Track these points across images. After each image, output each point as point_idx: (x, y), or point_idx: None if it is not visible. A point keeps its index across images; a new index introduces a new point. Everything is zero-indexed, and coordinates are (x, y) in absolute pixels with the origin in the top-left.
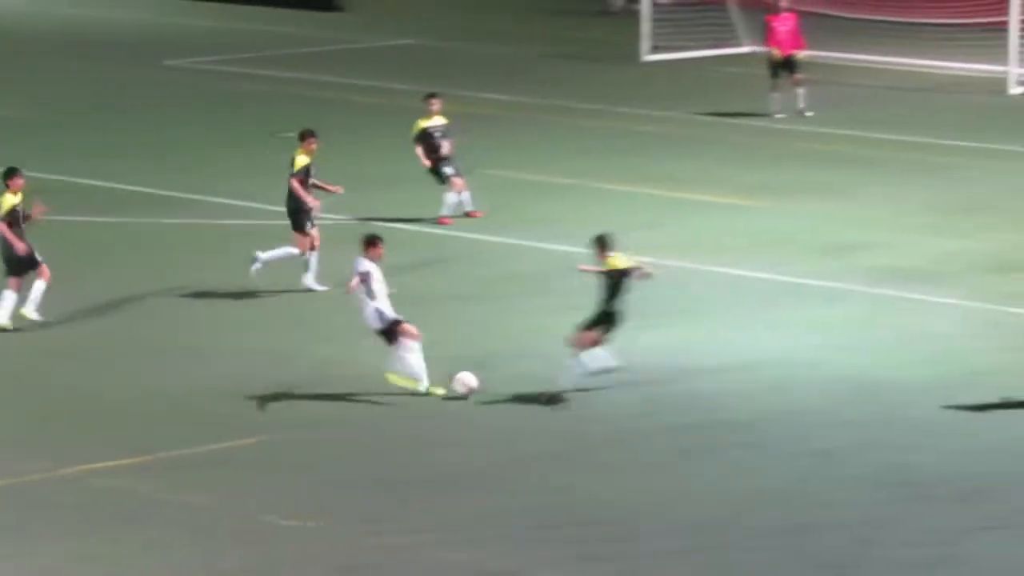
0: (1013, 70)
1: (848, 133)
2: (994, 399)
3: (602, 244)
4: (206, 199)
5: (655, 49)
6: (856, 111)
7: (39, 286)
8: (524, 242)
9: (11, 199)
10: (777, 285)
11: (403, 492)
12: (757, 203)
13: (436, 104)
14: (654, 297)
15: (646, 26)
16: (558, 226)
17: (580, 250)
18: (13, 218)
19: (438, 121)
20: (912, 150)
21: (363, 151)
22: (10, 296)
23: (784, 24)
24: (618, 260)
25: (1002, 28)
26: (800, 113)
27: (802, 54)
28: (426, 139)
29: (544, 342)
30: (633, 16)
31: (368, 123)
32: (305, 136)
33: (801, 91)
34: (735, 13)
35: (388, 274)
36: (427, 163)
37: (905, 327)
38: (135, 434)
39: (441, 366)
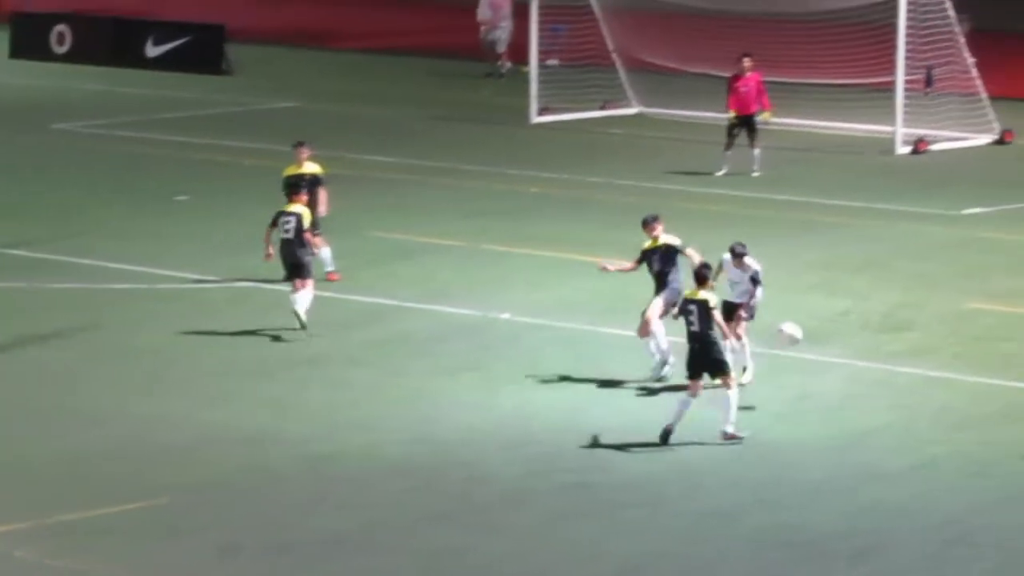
0: (899, 130)
1: (738, 194)
2: (882, 458)
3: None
4: (96, 263)
5: (543, 111)
6: (746, 171)
7: None
8: (412, 304)
9: None
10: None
11: (290, 556)
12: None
13: (304, 152)
14: (545, 357)
15: (534, 88)
16: (445, 288)
17: (467, 312)
18: None
19: (309, 168)
20: (802, 210)
21: (251, 212)
22: None
23: (746, 85)
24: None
25: (888, 88)
26: (748, 173)
27: (764, 114)
28: (292, 188)
29: (431, 404)
30: (521, 78)
31: (257, 185)
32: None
33: (756, 152)
34: (623, 74)
35: (272, 339)
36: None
37: (795, 386)
38: (18, 499)
39: (334, 429)
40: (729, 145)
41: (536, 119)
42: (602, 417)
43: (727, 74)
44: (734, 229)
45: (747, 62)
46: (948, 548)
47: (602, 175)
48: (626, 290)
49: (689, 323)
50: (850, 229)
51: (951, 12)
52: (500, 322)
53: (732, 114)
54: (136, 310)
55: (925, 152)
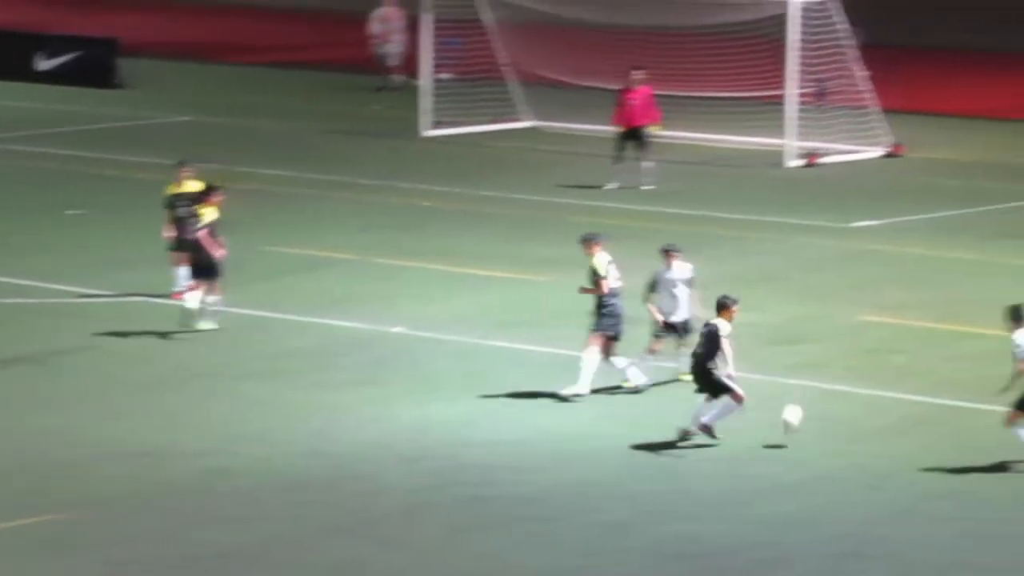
0: (791, 143)
1: (630, 207)
2: (777, 471)
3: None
4: None
5: (436, 124)
6: (637, 185)
7: None
8: (304, 318)
9: None
10: (560, 358)
11: (184, 571)
12: (537, 277)
13: (187, 171)
14: (439, 371)
15: (426, 101)
16: (339, 302)
17: (361, 325)
18: None
19: (190, 187)
20: (694, 224)
21: (143, 227)
22: None
23: (635, 98)
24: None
25: (780, 102)
26: (637, 186)
27: (653, 128)
28: (173, 207)
29: (326, 418)
30: (413, 92)
31: (150, 198)
32: (211, 190)
33: (647, 166)
34: (515, 88)
35: (165, 354)
36: (170, 233)
37: (689, 399)
38: None
39: (229, 443)
40: (619, 159)
41: (429, 132)
42: (497, 430)
43: (620, 87)
44: (627, 243)
45: (637, 75)
46: (842, 561)
47: (495, 189)
48: (517, 304)
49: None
50: (743, 242)
51: (844, 26)
52: (393, 336)
53: (620, 128)
54: (28, 325)
55: (817, 165)
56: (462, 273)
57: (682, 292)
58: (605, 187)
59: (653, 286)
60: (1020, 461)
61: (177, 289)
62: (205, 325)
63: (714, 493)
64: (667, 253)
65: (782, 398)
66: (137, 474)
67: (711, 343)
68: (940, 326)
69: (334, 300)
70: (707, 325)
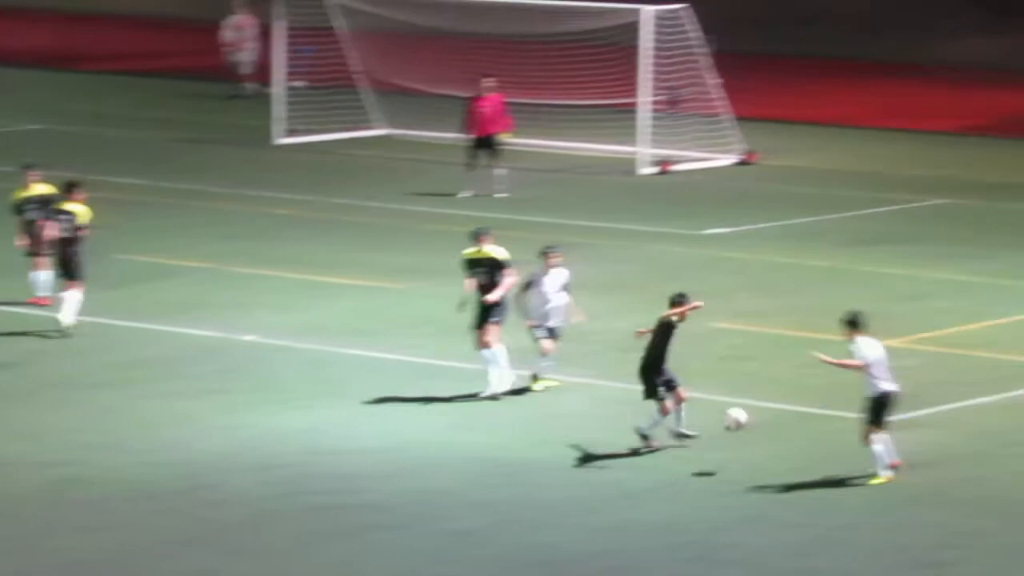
0: (644, 151)
1: (483, 215)
2: (628, 477)
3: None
4: None
5: (289, 132)
6: (491, 192)
7: None
8: (157, 326)
9: None
10: (412, 366)
11: None
12: (391, 285)
13: (34, 175)
14: (291, 379)
15: (279, 109)
16: (192, 310)
17: (213, 334)
18: None
19: (38, 190)
20: (547, 231)
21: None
22: None
23: (486, 106)
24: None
25: (633, 109)
26: (491, 194)
27: (505, 136)
28: (22, 212)
29: (178, 426)
30: (266, 100)
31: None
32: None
33: (499, 173)
34: (368, 96)
35: (15, 362)
36: (22, 241)
37: (538, 407)
38: None
39: (79, 453)
40: (471, 166)
41: (282, 140)
42: (349, 438)
43: (471, 95)
44: None
45: (488, 83)
46: (691, 567)
47: (348, 197)
48: (370, 312)
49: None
50: (596, 249)
51: (697, 34)
52: (246, 344)
53: (471, 136)
54: None
55: (670, 172)
56: (316, 281)
57: (557, 297)
58: (459, 195)
59: (527, 286)
60: (870, 476)
61: (39, 295)
62: (67, 320)
63: (564, 500)
64: (546, 255)
65: (635, 405)
66: None
67: (666, 338)
68: (792, 333)
69: (187, 308)
70: (664, 319)
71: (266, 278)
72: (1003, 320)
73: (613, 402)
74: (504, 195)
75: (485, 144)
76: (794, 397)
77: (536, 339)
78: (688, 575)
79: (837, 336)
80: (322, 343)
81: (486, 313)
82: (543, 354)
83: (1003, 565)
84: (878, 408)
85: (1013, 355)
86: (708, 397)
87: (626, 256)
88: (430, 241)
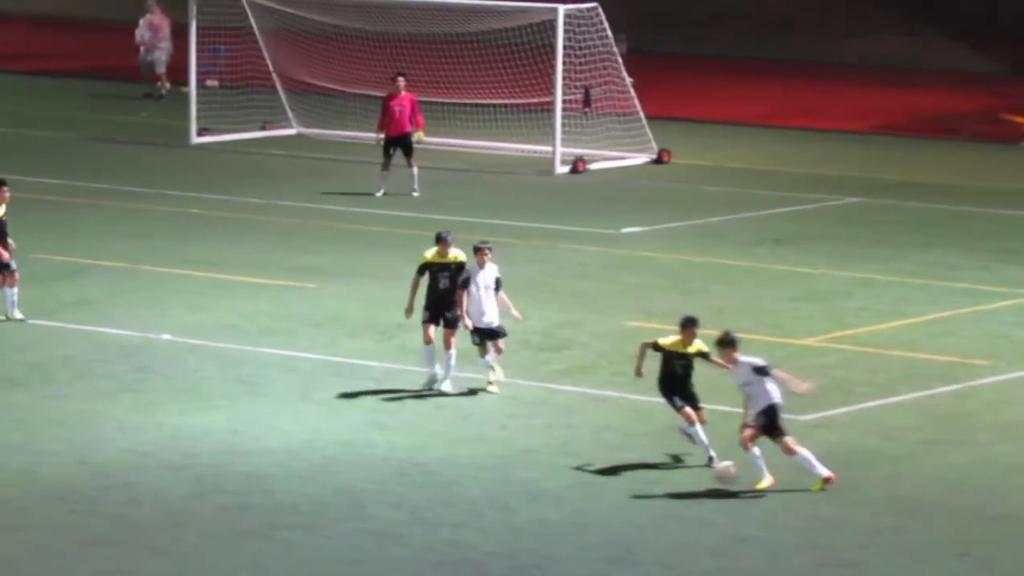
0: (558, 150)
1: (399, 214)
2: (543, 477)
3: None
4: None
5: (203, 132)
6: (406, 191)
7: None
8: (72, 325)
9: None
10: (327, 365)
11: None
12: (306, 284)
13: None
14: (204, 379)
15: (193, 109)
16: (105, 309)
17: (127, 333)
18: None
19: None
20: (463, 230)
21: None
22: None
23: (400, 105)
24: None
25: (547, 108)
26: (409, 193)
27: (418, 134)
28: None
29: (92, 426)
30: (181, 99)
31: None
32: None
33: (414, 171)
34: (283, 95)
35: None
36: None
37: (455, 405)
38: None
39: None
40: (386, 165)
41: (196, 140)
42: (263, 438)
43: (384, 94)
44: (395, 250)
45: (401, 81)
46: (610, 566)
47: (262, 196)
48: (284, 311)
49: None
50: (510, 249)
51: (608, 33)
52: (159, 343)
53: (382, 135)
54: None
55: (584, 172)
56: (230, 280)
57: (489, 294)
58: (376, 194)
59: (466, 283)
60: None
61: None
62: (18, 315)
63: (481, 499)
64: (480, 251)
65: (549, 404)
66: None
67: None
68: (705, 332)
69: (100, 307)
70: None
71: (180, 277)
72: (916, 319)
73: (530, 401)
74: (418, 194)
75: (399, 143)
76: (710, 396)
77: (476, 342)
78: (606, 574)
79: (750, 335)
80: (236, 342)
81: (449, 313)
82: (483, 356)
83: (919, 564)
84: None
85: (926, 354)
86: (623, 396)
87: (540, 256)
88: (343, 240)
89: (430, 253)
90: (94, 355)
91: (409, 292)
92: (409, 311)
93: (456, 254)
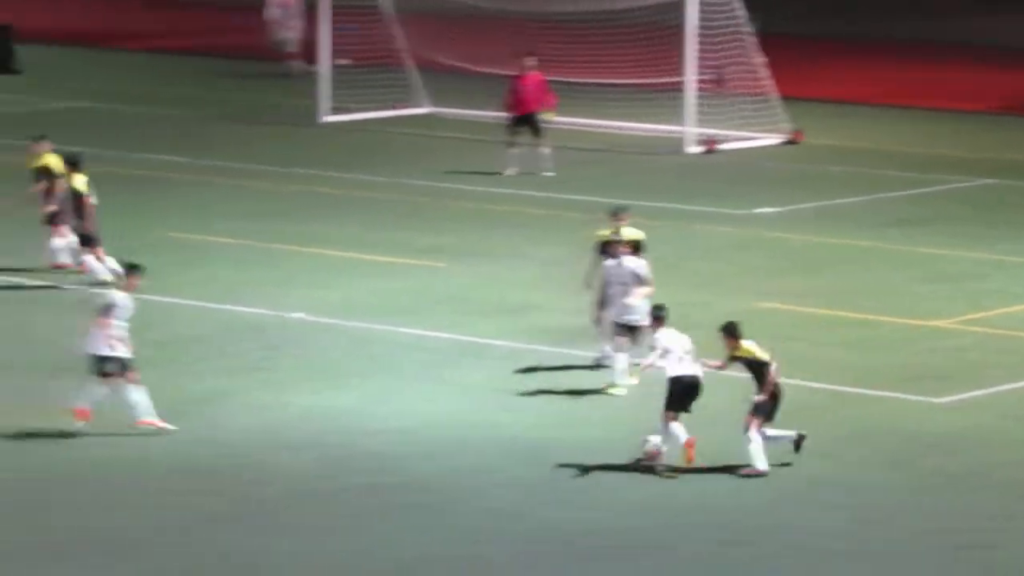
0: (690, 130)
1: (529, 194)
2: (667, 458)
3: (732, 332)
4: None
5: (334, 110)
6: (536, 171)
7: None
8: (201, 303)
9: None
10: (457, 345)
11: (71, 560)
12: (437, 264)
13: (44, 145)
14: (334, 358)
15: (324, 87)
16: (235, 288)
17: (256, 311)
18: None
19: (52, 161)
20: (593, 210)
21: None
22: None
23: (528, 84)
24: (752, 348)
25: (679, 89)
26: (538, 172)
27: (547, 114)
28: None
29: (220, 405)
30: (312, 78)
31: None
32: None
33: (545, 151)
34: (414, 74)
35: (54, 336)
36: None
37: (579, 387)
38: None
39: (120, 431)
40: (513, 144)
41: (326, 119)
42: (390, 417)
43: (512, 73)
44: (524, 230)
45: (529, 61)
46: (728, 547)
47: (392, 175)
48: (415, 290)
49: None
50: (643, 229)
51: (741, 13)
52: (289, 322)
53: (512, 114)
54: None
55: (716, 152)
56: (360, 259)
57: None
58: (504, 173)
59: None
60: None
61: (58, 261)
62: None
63: (606, 480)
64: (614, 245)
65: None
66: (16, 462)
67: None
68: (836, 313)
69: (229, 286)
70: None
71: (309, 256)
72: None
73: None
74: (550, 174)
75: (526, 122)
76: (835, 377)
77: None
78: (723, 555)
79: (877, 316)
80: (366, 321)
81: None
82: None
83: None
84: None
85: None
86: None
87: (670, 236)
88: (473, 220)
89: (606, 230)
90: (223, 334)
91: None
92: (586, 287)
93: (631, 232)
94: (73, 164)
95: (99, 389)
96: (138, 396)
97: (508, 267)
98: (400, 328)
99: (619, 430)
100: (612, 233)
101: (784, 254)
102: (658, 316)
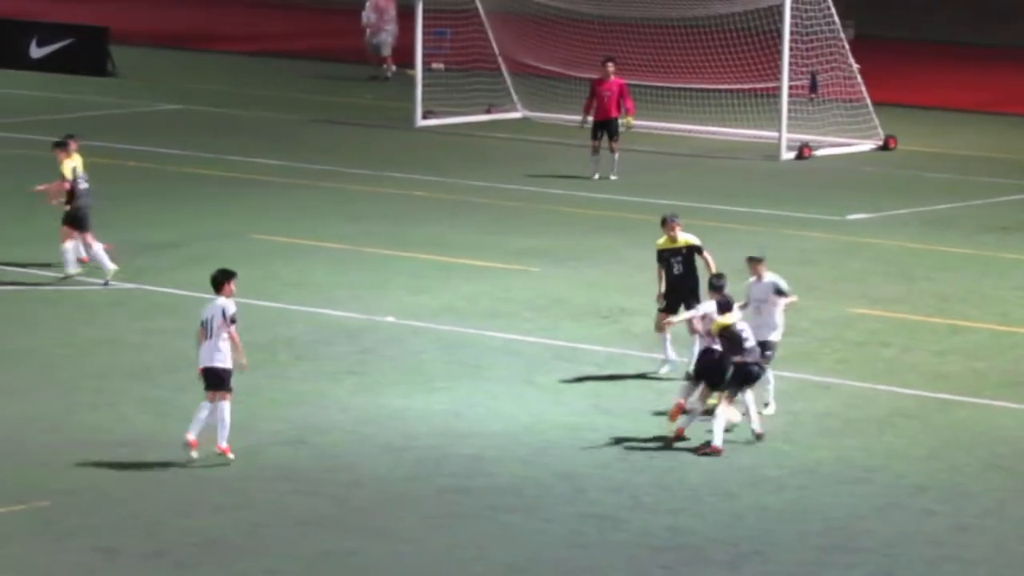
0: (784, 135)
1: (621, 198)
2: (764, 463)
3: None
4: None
5: (428, 115)
6: (634, 176)
7: None
8: (294, 306)
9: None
10: (549, 349)
11: (168, 558)
12: (529, 267)
13: (72, 145)
14: (427, 360)
15: (419, 91)
16: (328, 291)
17: (346, 314)
18: None
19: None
20: (686, 215)
21: (137, 216)
22: None
23: (608, 89)
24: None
25: (773, 94)
26: (606, 176)
27: (626, 119)
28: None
29: (313, 407)
30: (406, 82)
31: (142, 188)
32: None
33: (615, 156)
34: (508, 79)
35: (143, 336)
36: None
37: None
38: None
39: (215, 433)
40: (596, 149)
41: (421, 123)
42: (484, 420)
43: (595, 77)
44: (617, 234)
45: (610, 67)
46: (828, 554)
47: (485, 179)
48: (507, 294)
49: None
50: (735, 234)
51: (835, 19)
52: (382, 325)
53: (589, 118)
54: (17, 311)
55: (810, 158)
56: (452, 263)
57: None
58: (593, 177)
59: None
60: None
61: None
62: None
63: (702, 485)
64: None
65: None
66: (122, 462)
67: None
68: (930, 319)
69: (323, 289)
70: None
71: (402, 260)
72: None
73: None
74: (616, 177)
75: (605, 127)
76: (932, 384)
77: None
78: (825, 562)
79: (974, 323)
80: (459, 325)
81: (687, 302)
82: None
83: None
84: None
85: None
86: (845, 383)
87: (763, 241)
88: (565, 224)
89: (661, 239)
90: (317, 336)
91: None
92: (659, 299)
93: (687, 238)
94: (60, 146)
95: (206, 407)
96: (228, 418)
97: (602, 271)
98: (494, 332)
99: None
100: (668, 241)
101: (877, 260)
102: (716, 286)
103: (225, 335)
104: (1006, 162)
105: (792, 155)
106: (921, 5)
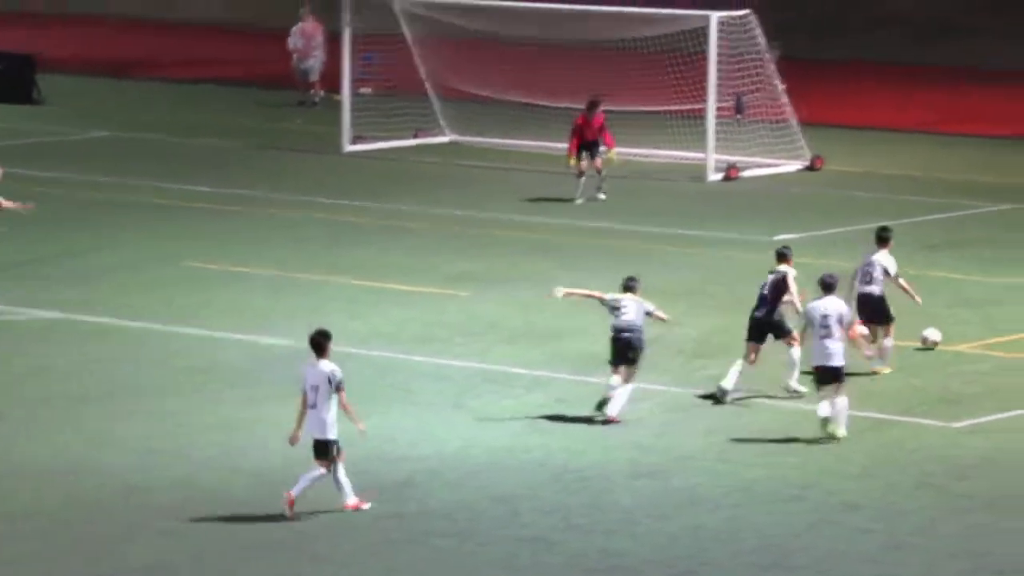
0: (711, 157)
1: (553, 221)
2: (699, 483)
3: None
4: None
5: (356, 139)
6: (562, 199)
7: None
8: (227, 334)
9: None
10: (480, 373)
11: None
12: (459, 292)
13: None
14: (361, 385)
15: (347, 116)
16: (260, 317)
17: (281, 341)
18: None
19: None
20: (615, 237)
21: (58, 242)
22: None
23: (594, 126)
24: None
25: (699, 115)
26: (593, 198)
27: (609, 154)
28: None
29: (248, 433)
30: (334, 106)
31: (71, 214)
32: None
33: (602, 174)
34: (435, 103)
35: (87, 369)
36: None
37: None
38: None
39: (150, 459)
40: (580, 172)
41: (349, 148)
42: (416, 445)
43: (538, 102)
44: (550, 256)
45: (599, 110)
46: (764, 572)
47: (415, 203)
48: (438, 318)
49: None
50: (664, 255)
51: (761, 40)
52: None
53: (573, 161)
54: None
55: (737, 179)
56: (384, 288)
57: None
58: (577, 201)
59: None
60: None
61: None
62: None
63: (636, 506)
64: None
65: (705, 410)
66: (59, 490)
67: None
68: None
69: (255, 316)
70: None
71: (331, 285)
72: None
73: (685, 407)
74: (603, 197)
75: (587, 148)
76: (864, 402)
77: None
78: None
79: (906, 341)
80: (390, 350)
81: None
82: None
83: None
84: None
85: None
86: (776, 403)
87: (694, 262)
88: (497, 247)
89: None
90: (250, 363)
91: None
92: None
93: (784, 268)
94: None
95: (319, 470)
96: (345, 477)
97: (534, 294)
98: (424, 357)
99: (649, 453)
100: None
101: (806, 281)
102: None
103: (332, 405)
104: (934, 181)
105: (719, 176)
106: (848, 26)
